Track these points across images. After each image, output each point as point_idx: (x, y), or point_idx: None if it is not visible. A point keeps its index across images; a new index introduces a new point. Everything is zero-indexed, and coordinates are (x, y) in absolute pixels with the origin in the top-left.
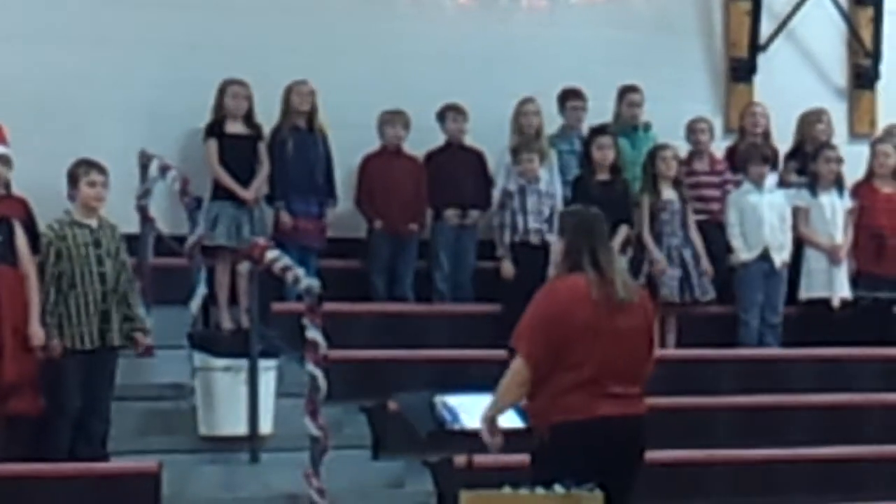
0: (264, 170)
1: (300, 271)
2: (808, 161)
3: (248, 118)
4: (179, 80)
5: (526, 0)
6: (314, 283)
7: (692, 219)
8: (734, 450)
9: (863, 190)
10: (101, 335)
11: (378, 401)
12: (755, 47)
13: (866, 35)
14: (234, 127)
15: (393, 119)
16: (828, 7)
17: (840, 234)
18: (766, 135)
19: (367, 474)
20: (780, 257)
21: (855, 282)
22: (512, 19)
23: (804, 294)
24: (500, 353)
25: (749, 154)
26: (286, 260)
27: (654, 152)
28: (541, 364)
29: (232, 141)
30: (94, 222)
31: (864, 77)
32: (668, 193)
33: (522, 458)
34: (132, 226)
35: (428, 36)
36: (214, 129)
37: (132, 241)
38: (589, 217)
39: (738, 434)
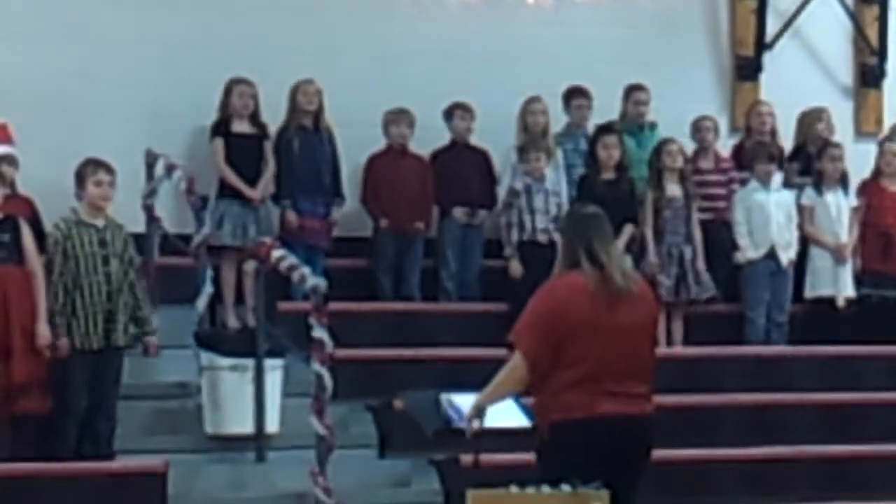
0: (270, 169)
1: (306, 270)
2: (811, 161)
3: (254, 117)
4: (184, 78)
5: None
6: (320, 282)
7: (696, 216)
8: (740, 448)
9: (869, 188)
10: (107, 335)
11: (384, 400)
12: (761, 46)
13: (872, 33)
14: (241, 126)
15: (398, 118)
16: (834, 5)
17: (845, 233)
18: (773, 133)
19: (374, 473)
20: (787, 255)
21: (860, 280)
22: (517, 18)
23: (810, 292)
24: (507, 351)
25: (756, 152)
26: (292, 259)
27: (660, 146)
28: (540, 361)
29: (238, 140)
30: (100, 222)
31: (870, 75)
32: (673, 189)
33: (529, 456)
34: (138, 225)
35: (433, 34)
36: (220, 128)
37: (138, 241)
38: (585, 214)
39: (744, 432)
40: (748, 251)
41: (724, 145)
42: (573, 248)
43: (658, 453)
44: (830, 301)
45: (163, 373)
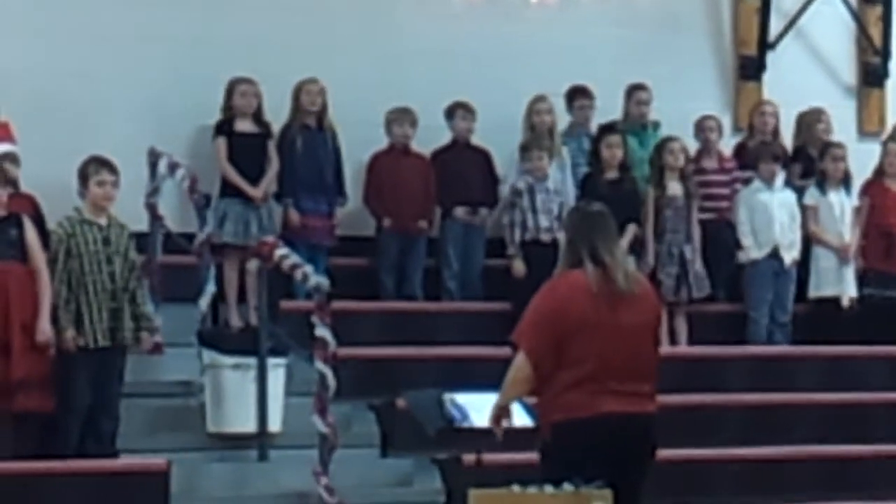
0: (273, 168)
1: (309, 269)
2: (812, 162)
3: (258, 116)
4: (187, 77)
5: None
6: (323, 280)
7: (696, 214)
8: (743, 448)
9: (872, 188)
10: (112, 333)
11: (387, 399)
12: (764, 45)
13: (875, 33)
14: (244, 125)
15: (400, 117)
16: (837, 5)
17: (849, 233)
18: (776, 133)
19: (376, 472)
20: (790, 255)
21: (863, 280)
22: (519, 17)
23: (813, 292)
24: (510, 351)
25: (760, 152)
26: (295, 258)
27: (662, 144)
28: (543, 360)
29: (241, 139)
30: (103, 221)
31: (873, 75)
32: (674, 188)
33: (531, 456)
34: (141, 224)
35: (435, 34)
36: (224, 127)
37: (141, 239)
38: (589, 213)
39: (747, 432)
40: (751, 251)
41: (727, 145)
42: (576, 247)
43: (661, 452)
44: (834, 301)
45: (166, 371)
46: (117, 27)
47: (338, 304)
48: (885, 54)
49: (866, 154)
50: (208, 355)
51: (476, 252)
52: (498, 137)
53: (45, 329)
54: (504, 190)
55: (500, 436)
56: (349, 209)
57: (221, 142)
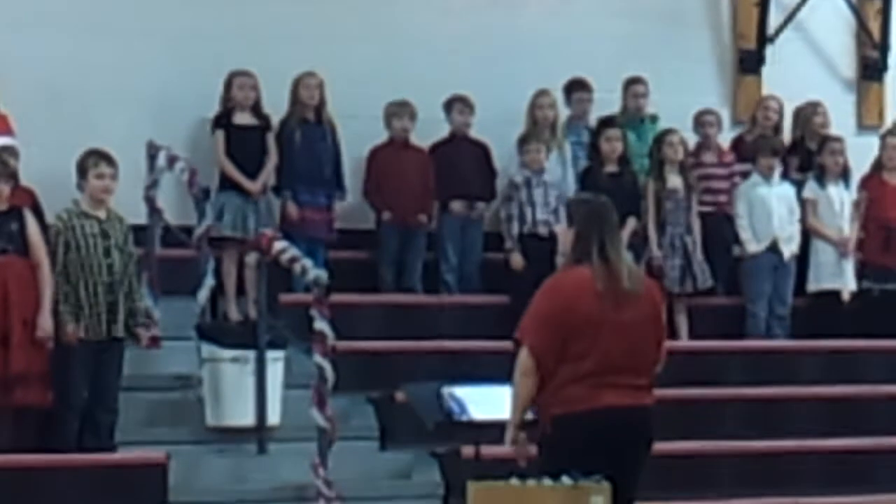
0: (272, 161)
1: (308, 262)
2: (810, 156)
3: (256, 109)
4: (187, 70)
5: None
6: (322, 274)
7: (696, 207)
8: (741, 441)
9: (871, 182)
10: (108, 327)
11: (386, 392)
12: (763, 39)
13: (874, 27)
14: (243, 118)
15: (400, 111)
16: None
17: (848, 227)
18: (777, 129)
19: (375, 465)
20: (789, 249)
21: (862, 273)
22: (519, 10)
23: (812, 286)
24: (509, 344)
25: (759, 146)
26: (294, 251)
27: (661, 137)
28: (546, 356)
29: (240, 132)
30: (102, 214)
31: (872, 69)
32: (674, 181)
33: (530, 449)
34: (140, 217)
35: (434, 27)
36: (222, 120)
37: (140, 232)
38: (600, 206)
39: (746, 425)
40: (750, 245)
41: (726, 138)
42: (586, 240)
43: (660, 446)
44: (833, 294)
45: (164, 364)
46: (116, 20)
47: (336, 298)
48: (885, 48)
49: (865, 148)
50: (207, 348)
51: (474, 245)
52: (498, 131)
53: (45, 324)
54: (502, 183)
55: (521, 461)
56: (348, 202)
57: (220, 135)
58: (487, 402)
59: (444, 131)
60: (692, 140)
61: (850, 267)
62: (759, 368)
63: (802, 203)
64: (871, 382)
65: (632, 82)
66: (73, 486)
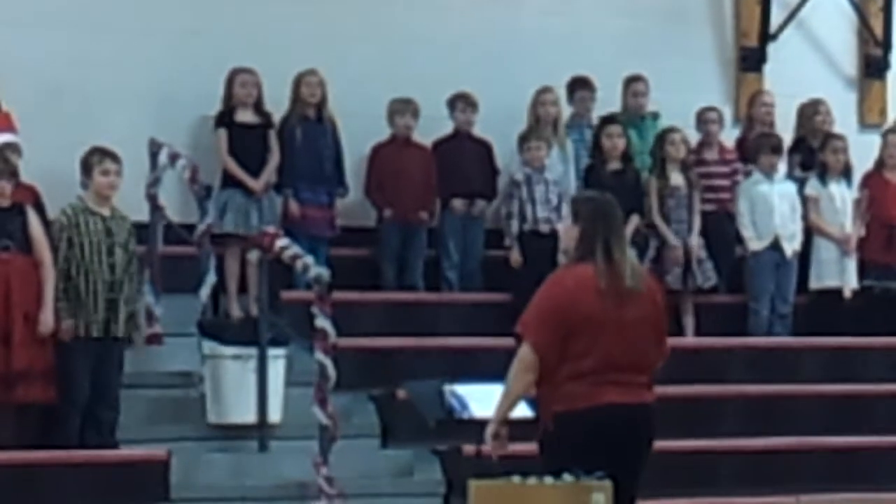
0: (274, 158)
1: (310, 260)
2: (812, 153)
3: (258, 106)
4: (189, 67)
5: None
6: (324, 271)
7: (698, 205)
8: (743, 439)
9: (873, 180)
10: (107, 325)
11: (387, 389)
12: (765, 36)
13: (877, 24)
14: (244, 116)
15: (402, 108)
16: None
17: (850, 224)
18: (771, 124)
19: (376, 463)
20: (791, 247)
21: (864, 271)
22: (521, 8)
23: (814, 284)
24: (510, 341)
25: (760, 144)
26: (296, 248)
27: (663, 135)
28: (547, 352)
29: (242, 130)
30: (106, 211)
31: (874, 66)
32: (676, 178)
33: (531, 447)
34: (142, 214)
35: (436, 25)
36: (224, 118)
37: (142, 230)
38: (605, 203)
39: (748, 423)
40: (752, 242)
41: (728, 136)
42: (591, 238)
43: (662, 444)
44: (835, 292)
45: (166, 362)
46: (117, 17)
47: (338, 295)
48: (886, 46)
49: (867, 146)
50: (208, 346)
51: (475, 243)
52: (500, 128)
53: (47, 321)
54: (504, 181)
55: (496, 456)
56: (350, 200)
57: (222, 133)
58: (489, 400)
59: (445, 129)
60: (694, 138)
61: (851, 265)
62: (760, 366)
63: (804, 200)
64: (873, 380)
65: (632, 80)
66: (76, 482)
